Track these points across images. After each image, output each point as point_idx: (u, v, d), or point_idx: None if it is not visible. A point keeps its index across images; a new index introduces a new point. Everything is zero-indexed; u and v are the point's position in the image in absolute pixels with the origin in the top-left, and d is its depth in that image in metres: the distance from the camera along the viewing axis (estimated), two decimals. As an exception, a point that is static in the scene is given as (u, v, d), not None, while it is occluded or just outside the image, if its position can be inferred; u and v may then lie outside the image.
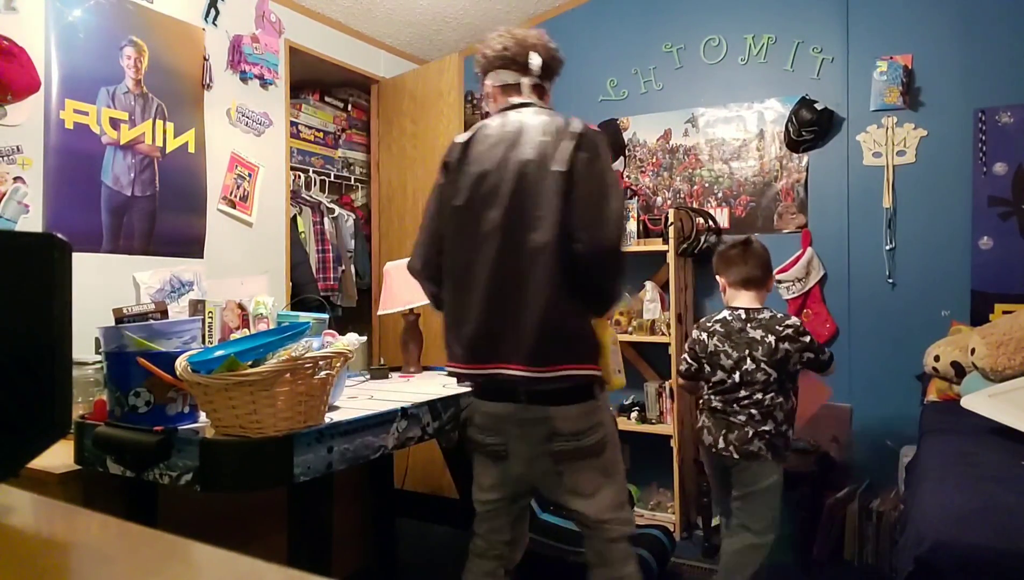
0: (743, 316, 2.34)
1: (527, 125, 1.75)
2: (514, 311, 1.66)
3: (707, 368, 2.37)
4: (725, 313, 2.39)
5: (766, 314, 2.33)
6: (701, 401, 2.44)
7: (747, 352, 2.28)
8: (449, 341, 1.80)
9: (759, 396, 2.26)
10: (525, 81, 1.84)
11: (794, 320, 2.33)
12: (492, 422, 1.76)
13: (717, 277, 2.48)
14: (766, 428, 2.25)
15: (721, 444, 2.30)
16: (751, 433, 2.25)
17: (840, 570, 2.95)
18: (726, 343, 2.32)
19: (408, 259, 1.98)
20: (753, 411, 2.26)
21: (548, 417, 1.68)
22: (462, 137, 1.84)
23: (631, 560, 1.80)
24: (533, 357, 1.64)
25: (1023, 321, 2.42)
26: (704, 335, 2.39)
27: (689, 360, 2.44)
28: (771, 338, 2.27)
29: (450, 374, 1.81)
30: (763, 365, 2.26)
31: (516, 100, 1.84)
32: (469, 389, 1.85)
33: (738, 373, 2.29)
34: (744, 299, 2.38)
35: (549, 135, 1.74)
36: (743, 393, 2.28)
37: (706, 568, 2.98)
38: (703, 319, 2.47)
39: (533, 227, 1.66)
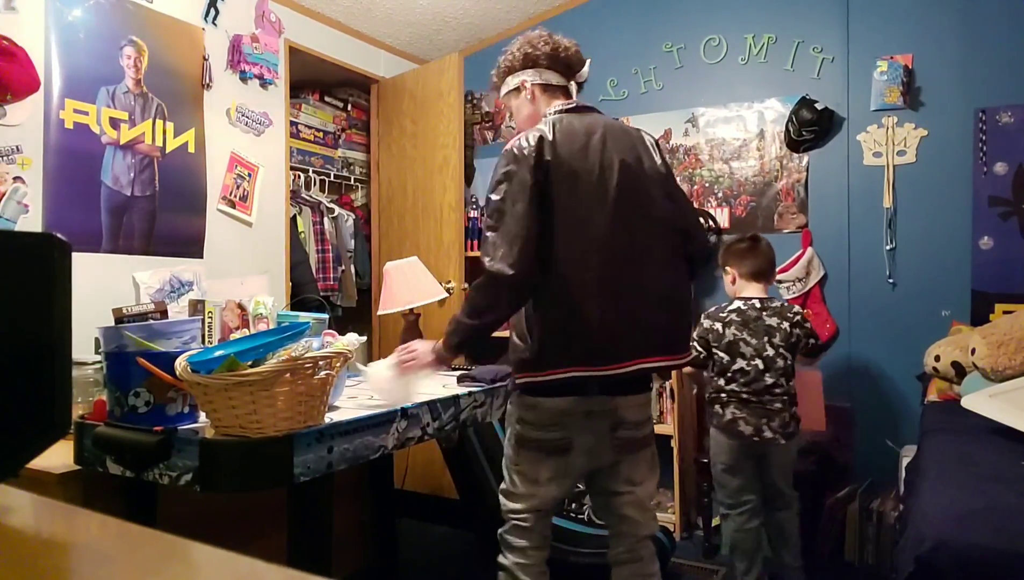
0: (757, 305, 2.48)
1: (610, 127, 1.80)
2: (654, 305, 1.71)
3: (725, 357, 2.47)
4: (739, 303, 2.50)
5: (776, 302, 2.51)
6: (719, 393, 2.50)
7: (766, 339, 2.43)
8: (568, 345, 1.66)
9: (783, 381, 2.43)
10: (573, 85, 1.91)
11: (798, 307, 2.56)
12: (553, 418, 1.72)
13: (727, 269, 2.60)
14: (795, 409, 2.47)
15: (767, 434, 2.41)
16: (788, 417, 2.43)
17: (841, 570, 2.95)
18: (744, 331, 2.45)
19: (496, 263, 1.64)
20: (785, 397, 2.43)
21: (616, 407, 1.74)
22: (543, 134, 1.71)
23: (656, 561, 1.87)
24: (676, 347, 1.76)
25: (1023, 321, 2.42)
26: (719, 325, 2.49)
27: (699, 348, 2.54)
28: (786, 324, 2.45)
29: (571, 380, 1.66)
30: (781, 350, 2.43)
31: (574, 103, 1.86)
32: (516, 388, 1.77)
33: (759, 360, 2.42)
34: (755, 290, 2.52)
35: (636, 139, 1.83)
36: (770, 380, 2.41)
37: (706, 568, 2.98)
38: (713, 309, 2.57)
39: (652, 226, 1.74)
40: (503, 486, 1.85)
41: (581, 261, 1.66)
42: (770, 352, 2.41)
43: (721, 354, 2.47)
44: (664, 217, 1.77)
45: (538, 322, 1.67)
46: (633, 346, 1.68)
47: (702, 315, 2.59)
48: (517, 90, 1.91)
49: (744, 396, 2.42)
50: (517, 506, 1.79)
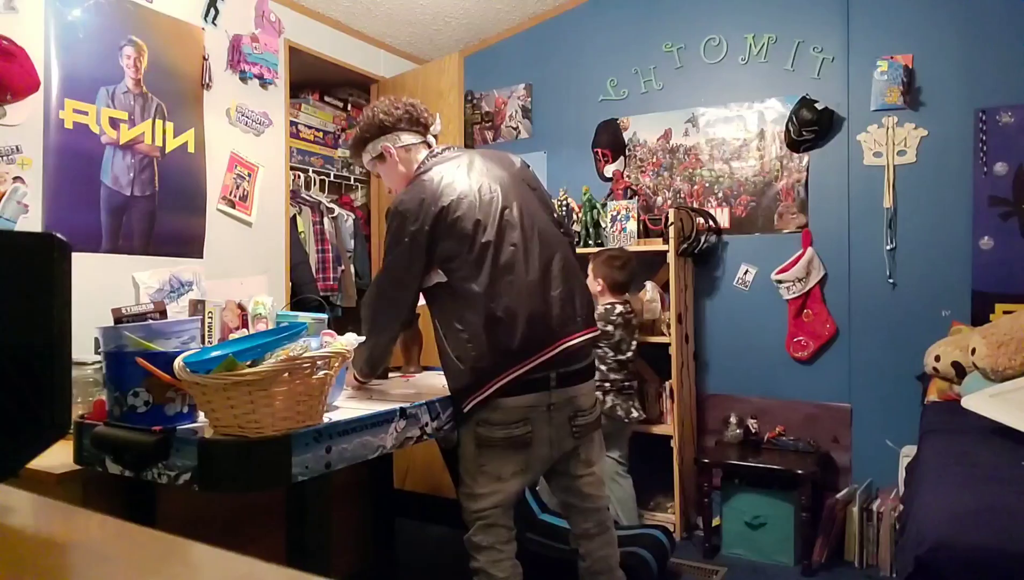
0: (624, 309, 3.12)
1: (479, 155, 2.02)
2: (562, 292, 1.90)
3: (611, 353, 3.08)
4: (620, 307, 3.10)
5: (620, 308, 3.12)
6: (602, 382, 3.04)
7: (635, 335, 3.17)
8: (498, 357, 1.81)
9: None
10: (431, 138, 2.10)
11: (621, 308, 3.14)
12: (520, 414, 1.84)
13: (599, 279, 3.13)
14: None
15: (634, 414, 3.12)
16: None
17: (840, 571, 2.95)
18: (626, 330, 3.11)
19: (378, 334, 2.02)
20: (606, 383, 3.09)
21: (573, 396, 1.91)
22: (412, 198, 1.90)
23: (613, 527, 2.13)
24: (589, 322, 1.96)
25: (1023, 321, 2.42)
26: (611, 327, 3.06)
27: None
28: (610, 326, 3.08)
29: (511, 383, 1.80)
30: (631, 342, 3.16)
31: (440, 148, 2.05)
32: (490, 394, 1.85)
33: (631, 352, 3.14)
34: (618, 297, 3.14)
35: (504, 157, 2.07)
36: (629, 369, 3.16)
37: (706, 568, 2.98)
38: (603, 311, 3.06)
39: (540, 222, 1.94)
40: (463, 490, 1.92)
41: (495, 279, 1.82)
42: (634, 346, 3.15)
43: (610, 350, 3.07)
44: (546, 214, 2.00)
45: (463, 347, 1.84)
46: (553, 333, 1.85)
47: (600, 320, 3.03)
48: (381, 156, 2.06)
49: (625, 384, 3.13)
50: (480, 505, 1.87)
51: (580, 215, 3.55)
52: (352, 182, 4.09)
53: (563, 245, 1.98)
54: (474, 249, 1.83)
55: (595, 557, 2.02)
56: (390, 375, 2.49)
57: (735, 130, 3.52)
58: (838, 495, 3.10)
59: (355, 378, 2.09)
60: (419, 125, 2.05)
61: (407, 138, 2.03)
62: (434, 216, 1.83)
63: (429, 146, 2.06)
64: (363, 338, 1.91)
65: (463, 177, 1.91)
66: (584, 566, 2.04)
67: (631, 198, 3.64)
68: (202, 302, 2.47)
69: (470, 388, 1.83)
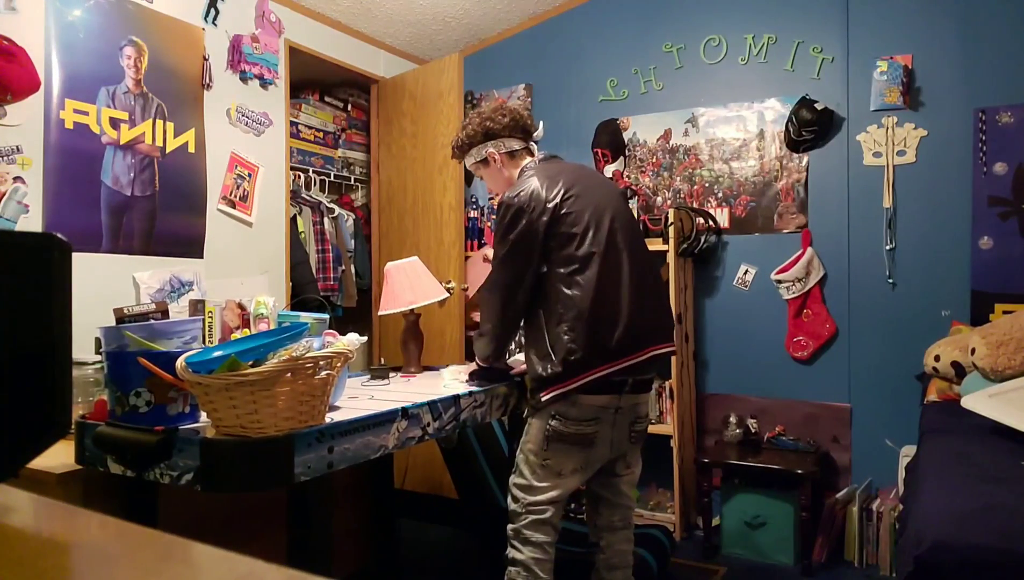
0: None
1: (579, 168, 2.12)
2: (654, 305, 2.02)
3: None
4: None
5: None
6: None
7: None
8: (592, 352, 1.86)
9: None
10: (533, 146, 2.18)
11: None
12: (593, 413, 1.91)
13: None
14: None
15: None
16: None
17: (840, 570, 2.95)
18: None
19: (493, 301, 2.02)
20: None
21: (637, 403, 2.02)
22: (524, 189, 1.96)
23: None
24: (670, 336, 2.06)
25: (1023, 321, 2.42)
26: None
27: None
28: None
29: (594, 381, 1.87)
30: None
31: (544, 155, 2.14)
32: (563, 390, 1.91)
33: None
34: None
35: (596, 173, 2.23)
36: None
37: (706, 568, 2.98)
38: None
39: (637, 241, 2.05)
40: (519, 481, 1.96)
41: (602, 278, 1.89)
42: None
43: None
44: (639, 234, 2.10)
45: (559, 338, 1.88)
46: (644, 339, 1.93)
47: None
48: (485, 161, 2.14)
49: None
50: (538, 498, 1.91)
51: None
52: (352, 182, 4.09)
53: (654, 264, 2.13)
54: (583, 245, 1.90)
55: (615, 550, 2.09)
56: (390, 375, 2.49)
57: (735, 130, 3.52)
58: (838, 495, 3.10)
59: (477, 363, 2.18)
60: (523, 132, 2.15)
61: (512, 144, 2.12)
62: (546, 207, 1.91)
63: (532, 153, 2.15)
64: (486, 327, 2.04)
65: (571, 178, 1.98)
66: (603, 558, 2.09)
67: (631, 198, 3.64)
68: (202, 302, 2.47)
69: (558, 378, 1.86)
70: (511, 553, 1.92)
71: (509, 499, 1.99)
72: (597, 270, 1.88)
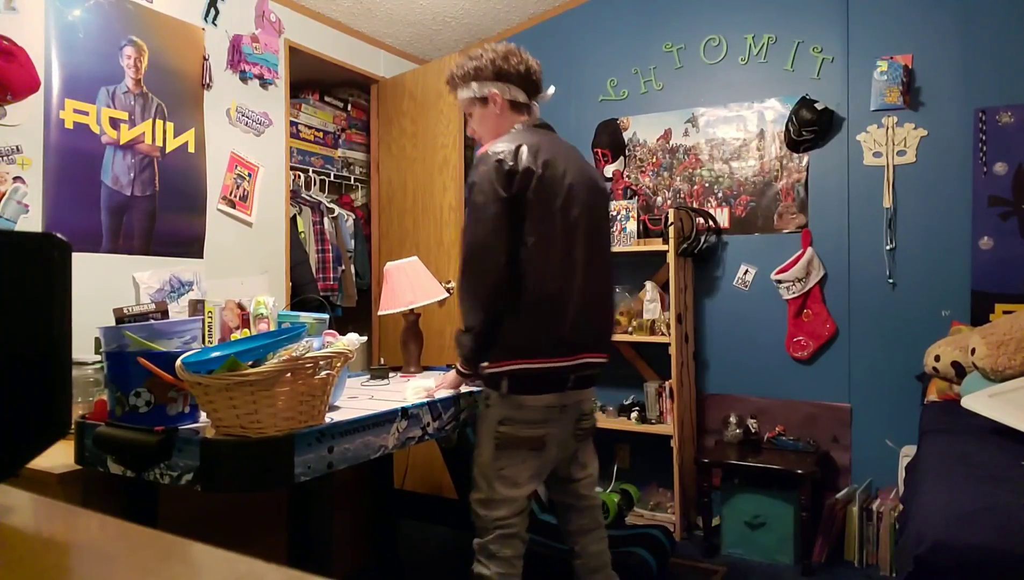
0: None
1: (568, 148, 1.99)
2: (601, 310, 1.96)
3: None
4: None
5: None
6: None
7: None
8: (538, 339, 1.81)
9: None
10: (536, 105, 2.03)
11: None
12: (540, 414, 1.84)
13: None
14: None
15: None
16: None
17: (840, 570, 2.95)
18: None
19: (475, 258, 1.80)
20: None
21: (581, 400, 1.96)
22: (509, 147, 1.81)
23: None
24: (608, 347, 2.01)
25: (1023, 321, 2.42)
26: None
27: None
28: None
29: (530, 371, 1.80)
30: None
31: (538, 120, 2.01)
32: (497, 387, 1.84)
33: None
34: None
35: (586, 162, 2.04)
36: None
37: (706, 568, 2.98)
38: None
39: (603, 241, 2.00)
40: (478, 496, 1.87)
41: (552, 267, 1.82)
42: None
43: None
44: (607, 236, 2.05)
45: (511, 316, 1.81)
46: (584, 343, 1.88)
47: None
48: (484, 100, 1.99)
49: None
50: (500, 513, 1.83)
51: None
52: (352, 182, 4.09)
53: (611, 271, 2.08)
54: (554, 223, 1.81)
55: (590, 553, 2.05)
56: (390, 375, 2.49)
57: (735, 130, 3.52)
58: (838, 495, 3.10)
59: (459, 369, 1.92)
60: (533, 88, 2.00)
61: (517, 93, 1.97)
62: (527, 165, 1.78)
63: (531, 113, 2.01)
64: (472, 315, 1.80)
65: (559, 151, 1.88)
66: (579, 563, 2.05)
67: (631, 198, 3.64)
68: (202, 302, 2.47)
69: (498, 356, 1.81)
70: (477, 568, 1.85)
71: (472, 515, 1.89)
72: (561, 253, 1.81)
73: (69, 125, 2.46)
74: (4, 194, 2.27)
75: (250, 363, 1.43)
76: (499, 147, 1.81)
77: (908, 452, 2.73)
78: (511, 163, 1.78)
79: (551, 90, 2.06)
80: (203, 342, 1.86)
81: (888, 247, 3.18)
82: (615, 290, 2.07)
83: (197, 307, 2.45)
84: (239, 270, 3.06)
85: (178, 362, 1.44)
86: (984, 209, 2.99)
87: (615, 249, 3.50)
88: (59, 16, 2.44)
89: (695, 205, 3.58)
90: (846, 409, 3.25)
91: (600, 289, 1.94)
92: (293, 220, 3.49)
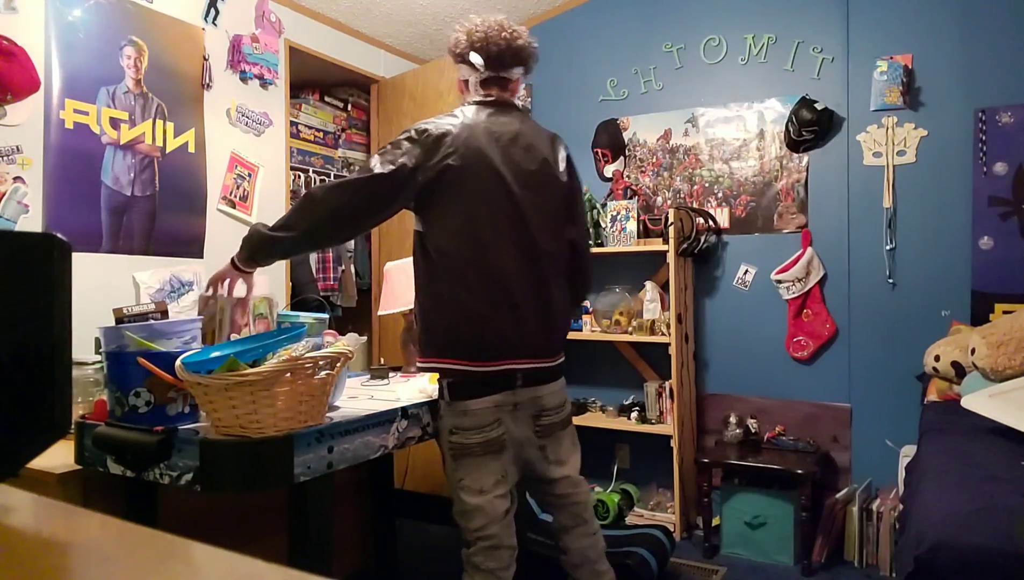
0: None
1: (523, 132, 1.88)
2: (540, 310, 1.82)
3: None
4: None
5: None
6: None
7: None
8: (457, 339, 1.75)
9: None
10: (510, 80, 1.94)
11: None
12: (489, 415, 1.76)
13: None
14: None
15: None
16: None
17: (840, 571, 2.95)
18: None
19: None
20: None
21: (539, 395, 1.86)
22: (452, 122, 1.76)
23: (595, 519, 2.07)
24: (555, 351, 1.89)
25: (1023, 321, 2.42)
26: None
27: None
28: None
29: (453, 372, 1.75)
30: None
31: (493, 97, 1.89)
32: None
33: None
34: None
35: (544, 140, 1.94)
36: None
37: (706, 568, 2.98)
38: None
39: (548, 230, 1.85)
40: (455, 508, 1.82)
41: (485, 260, 1.74)
42: None
43: None
44: (560, 228, 1.91)
45: (428, 313, 1.78)
46: (514, 350, 1.78)
47: None
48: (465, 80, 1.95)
49: None
50: (477, 522, 1.76)
51: (580, 215, 3.55)
52: (352, 182, 4.09)
53: (560, 267, 1.90)
54: (474, 217, 1.73)
55: (574, 549, 2.00)
56: (390, 375, 2.49)
57: (735, 130, 3.52)
58: (838, 495, 3.10)
59: (234, 260, 1.79)
60: (493, 62, 1.87)
61: (466, 72, 1.90)
62: (443, 156, 1.70)
63: (490, 90, 1.89)
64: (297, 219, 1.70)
65: (499, 136, 1.79)
66: (564, 559, 2.03)
67: (631, 198, 3.64)
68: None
69: (428, 353, 1.79)
70: (464, 577, 1.81)
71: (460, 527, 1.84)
72: (476, 257, 1.73)
73: (69, 125, 2.46)
74: (4, 194, 2.27)
75: (250, 363, 1.43)
76: (430, 122, 1.75)
77: (908, 452, 2.72)
78: (430, 143, 1.71)
79: (475, 58, 1.87)
80: (212, 339, 1.83)
81: (888, 247, 3.18)
82: (563, 293, 1.91)
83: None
84: (239, 270, 3.06)
85: (178, 362, 1.44)
86: (984, 209, 2.99)
87: (615, 249, 3.50)
88: (59, 16, 2.44)
89: (695, 205, 3.58)
90: (846, 409, 3.25)
91: (541, 292, 1.82)
92: (293, 220, 3.48)
